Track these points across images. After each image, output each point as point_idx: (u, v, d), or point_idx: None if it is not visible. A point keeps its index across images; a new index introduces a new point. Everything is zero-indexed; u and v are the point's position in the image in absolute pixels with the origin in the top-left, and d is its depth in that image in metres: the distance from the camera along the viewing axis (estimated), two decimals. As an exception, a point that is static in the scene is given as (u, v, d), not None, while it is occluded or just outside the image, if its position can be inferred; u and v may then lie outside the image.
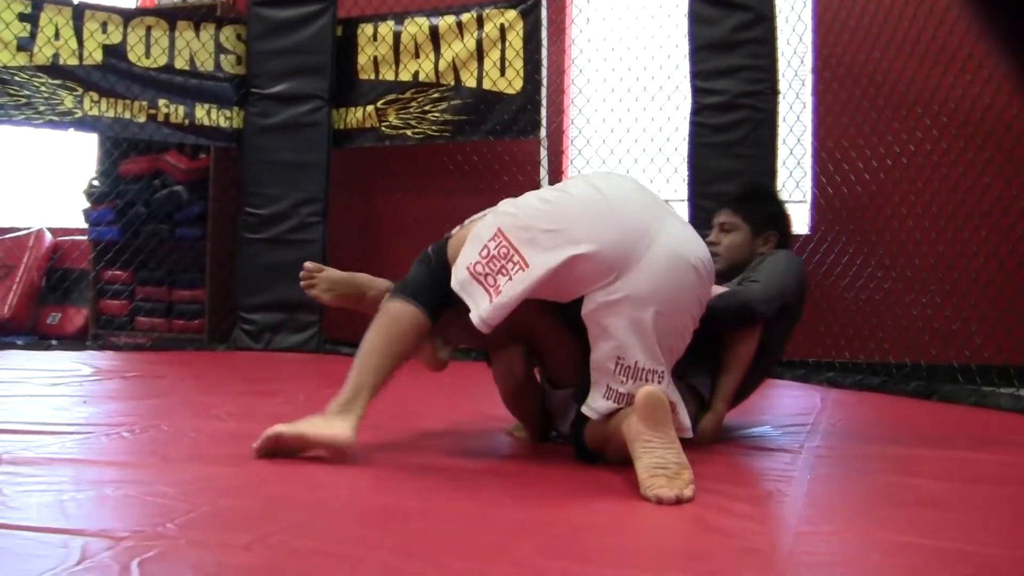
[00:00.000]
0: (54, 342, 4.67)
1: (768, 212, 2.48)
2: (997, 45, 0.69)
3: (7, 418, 2.25)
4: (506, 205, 1.86)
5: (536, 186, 4.45)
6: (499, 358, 2.05)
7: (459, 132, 4.63)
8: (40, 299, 5.50)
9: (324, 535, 1.32)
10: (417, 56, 4.68)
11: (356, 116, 4.81)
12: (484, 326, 1.75)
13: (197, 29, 4.75)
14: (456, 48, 4.60)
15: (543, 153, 4.55)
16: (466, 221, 1.94)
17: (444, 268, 1.85)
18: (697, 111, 4.11)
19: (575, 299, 1.79)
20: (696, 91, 4.11)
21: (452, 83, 4.62)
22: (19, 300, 5.36)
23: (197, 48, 4.73)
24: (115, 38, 4.59)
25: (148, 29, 4.66)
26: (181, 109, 4.68)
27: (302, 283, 2.24)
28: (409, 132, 4.72)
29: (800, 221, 4.24)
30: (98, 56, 4.55)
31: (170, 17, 4.75)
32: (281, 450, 1.80)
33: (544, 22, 4.47)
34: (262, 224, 4.66)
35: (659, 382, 1.75)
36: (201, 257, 4.96)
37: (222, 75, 4.78)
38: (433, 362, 2.04)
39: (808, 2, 4.31)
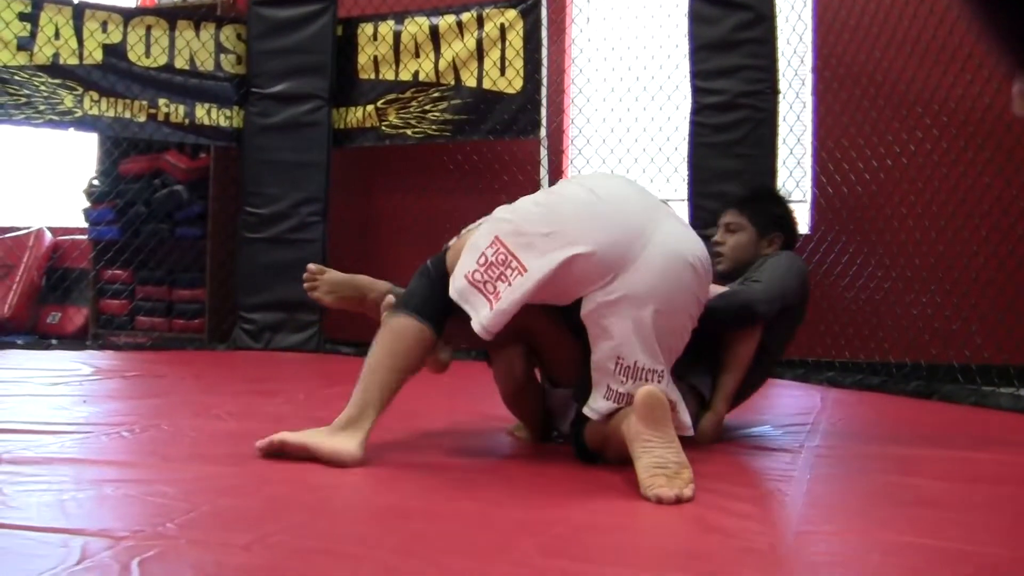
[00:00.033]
0: (54, 341, 4.67)
1: (774, 213, 2.48)
2: (997, 45, 0.69)
3: (7, 418, 2.25)
4: (501, 212, 1.86)
5: (536, 186, 4.46)
6: (499, 358, 2.05)
7: (459, 132, 4.63)
8: (40, 298, 5.50)
9: (324, 535, 1.32)
10: (417, 56, 4.68)
11: (356, 116, 4.81)
12: (485, 333, 1.76)
13: (197, 29, 4.74)
14: (456, 48, 4.60)
15: (543, 153, 4.55)
16: (462, 231, 1.94)
17: (444, 279, 1.85)
18: (697, 111, 4.11)
19: (574, 301, 1.79)
20: (696, 91, 4.11)
21: (452, 83, 4.62)
22: (19, 299, 5.36)
23: (197, 48, 4.73)
24: (115, 37, 4.59)
25: (148, 28, 4.65)
26: (181, 109, 4.68)
27: (305, 285, 2.24)
28: (409, 132, 4.72)
29: (800, 221, 4.23)
30: (98, 55, 4.55)
31: (170, 16, 4.74)
32: (282, 456, 1.80)
33: (544, 22, 4.47)
34: (262, 224, 4.66)
35: (659, 381, 1.75)
36: (201, 257, 4.96)
37: (222, 75, 4.78)
38: (434, 364, 2.05)
39: (808, 2, 4.31)
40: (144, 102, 4.61)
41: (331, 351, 4.51)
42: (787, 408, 2.90)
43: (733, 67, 4.01)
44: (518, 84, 4.48)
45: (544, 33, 4.47)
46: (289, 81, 4.69)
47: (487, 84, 4.54)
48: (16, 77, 4.41)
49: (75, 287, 5.36)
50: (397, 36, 4.71)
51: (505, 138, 4.60)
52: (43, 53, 4.46)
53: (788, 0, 4.24)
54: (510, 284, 1.74)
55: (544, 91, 4.47)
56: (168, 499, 1.47)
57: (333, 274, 2.25)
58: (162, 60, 4.67)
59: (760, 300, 2.20)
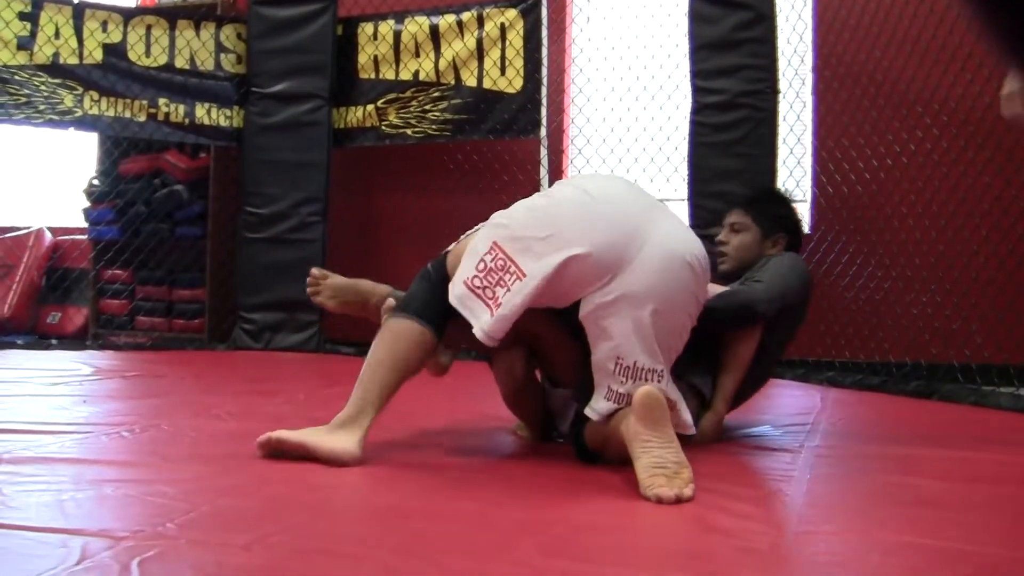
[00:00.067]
0: (54, 341, 4.67)
1: (779, 214, 2.48)
2: (997, 44, 0.69)
3: (7, 418, 2.25)
4: (498, 217, 1.87)
5: (536, 186, 4.46)
6: (500, 359, 2.05)
7: (459, 131, 4.63)
8: (40, 298, 5.50)
9: (324, 535, 1.32)
10: (417, 55, 4.68)
11: (356, 115, 4.81)
12: (488, 340, 1.76)
13: (197, 28, 4.74)
14: (456, 47, 4.60)
15: (543, 152, 4.55)
16: (461, 237, 1.94)
17: (444, 283, 1.86)
18: (697, 110, 4.11)
19: (573, 303, 1.79)
20: (696, 90, 4.11)
21: (452, 82, 4.62)
22: (19, 299, 5.36)
23: (197, 47, 4.73)
24: (115, 37, 4.59)
25: (148, 28, 4.65)
26: (181, 108, 4.68)
27: (308, 290, 2.26)
28: (409, 131, 4.72)
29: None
30: (98, 55, 4.55)
31: (170, 16, 4.74)
32: (281, 455, 1.80)
33: (544, 21, 4.47)
34: (262, 223, 4.66)
35: (659, 381, 1.75)
36: (201, 256, 4.96)
37: (222, 74, 4.78)
38: (434, 367, 2.05)
39: (808, 1, 4.31)
40: (144, 102, 4.61)
41: (331, 351, 4.51)
42: (787, 408, 2.90)
43: (733, 67, 4.01)
44: (518, 84, 4.48)
45: (544, 33, 4.47)
46: (289, 81, 4.69)
47: (487, 84, 4.54)
48: (16, 77, 4.41)
49: (75, 287, 5.36)
50: (397, 36, 4.71)
51: (505, 138, 4.60)
52: (43, 53, 4.45)
53: (788, 0, 4.24)
54: (509, 289, 1.75)
55: (544, 91, 4.47)
56: (168, 499, 1.46)
57: (335, 279, 2.26)
58: (162, 60, 4.66)
59: (760, 300, 2.20)
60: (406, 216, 4.92)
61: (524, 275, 1.74)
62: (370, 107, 4.77)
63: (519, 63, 4.48)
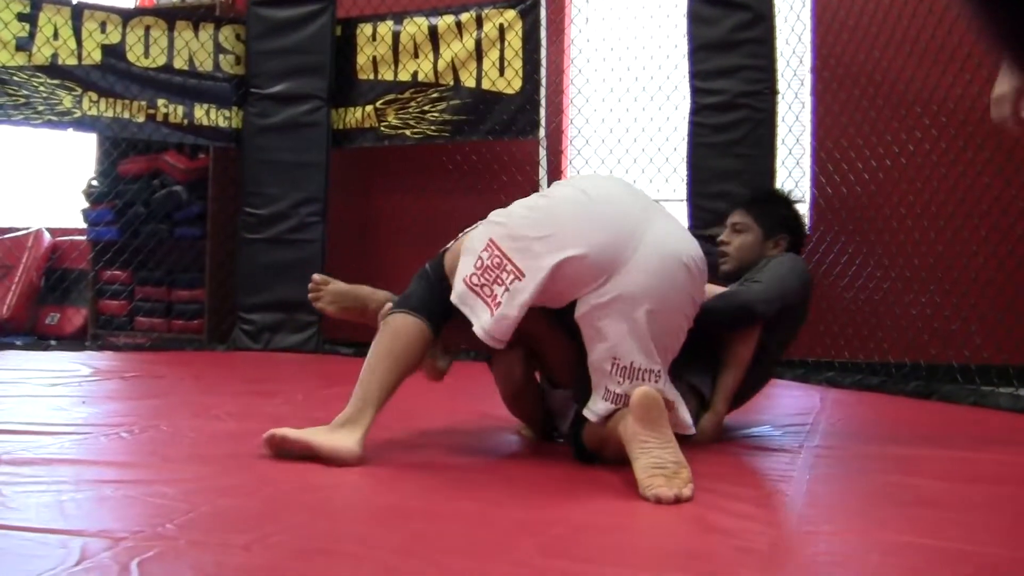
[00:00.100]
0: (53, 342, 4.67)
1: (781, 215, 2.49)
2: (996, 44, 0.69)
3: (6, 418, 2.25)
4: (496, 216, 1.87)
5: (535, 186, 4.46)
6: (499, 361, 2.06)
7: (458, 132, 4.63)
8: (39, 299, 5.50)
9: (324, 535, 1.32)
10: (416, 56, 4.68)
11: (355, 116, 4.81)
12: (492, 340, 1.76)
13: (196, 29, 4.74)
14: (455, 48, 4.60)
15: (542, 153, 4.56)
16: (459, 235, 1.95)
17: (443, 281, 1.86)
18: (696, 111, 4.11)
19: (569, 303, 1.80)
20: (695, 91, 4.11)
21: (451, 83, 4.62)
22: (18, 300, 5.35)
23: (196, 48, 4.73)
24: (114, 38, 4.59)
25: (147, 29, 4.65)
26: (180, 109, 4.68)
27: (309, 296, 2.27)
28: (408, 132, 4.72)
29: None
30: (97, 56, 4.55)
31: (169, 17, 4.74)
32: (283, 453, 1.80)
33: (543, 22, 4.47)
34: (261, 224, 4.66)
35: (656, 381, 1.75)
36: (200, 257, 4.95)
37: (221, 75, 4.78)
38: (432, 371, 2.06)
39: (807, 2, 4.31)
40: (143, 102, 4.61)
41: (330, 352, 4.51)
42: (787, 408, 2.90)
43: (732, 67, 4.01)
44: (517, 84, 4.48)
45: (543, 33, 4.47)
46: (288, 81, 4.69)
47: (486, 84, 4.54)
48: (15, 77, 4.41)
49: (74, 288, 5.36)
50: (396, 36, 4.71)
51: (504, 138, 4.60)
52: (42, 53, 4.45)
53: (787, 0, 4.24)
54: (508, 289, 1.75)
55: (543, 91, 4.47)
56: (167, 499, 1.46)
57: (337, 285, 2.26)
58: (161, 60, 4.66)
59: (759, 300, 2.20)
60: (405, 217, 4.92)
61: (523, 275, 1.74)
62: (369, 108, 4.77)
63: (518, 64, 4.48)
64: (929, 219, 3.93)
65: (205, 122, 4.73)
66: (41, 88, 4.45)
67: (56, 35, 4.49)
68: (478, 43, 4.55)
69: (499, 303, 1.75)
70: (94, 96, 4.53)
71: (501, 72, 4.51)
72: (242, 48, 4.80)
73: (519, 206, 1.88)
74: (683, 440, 1.74)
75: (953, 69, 3.70)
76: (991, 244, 3.76)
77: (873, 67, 4.08)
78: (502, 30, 4.51)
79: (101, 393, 2.95)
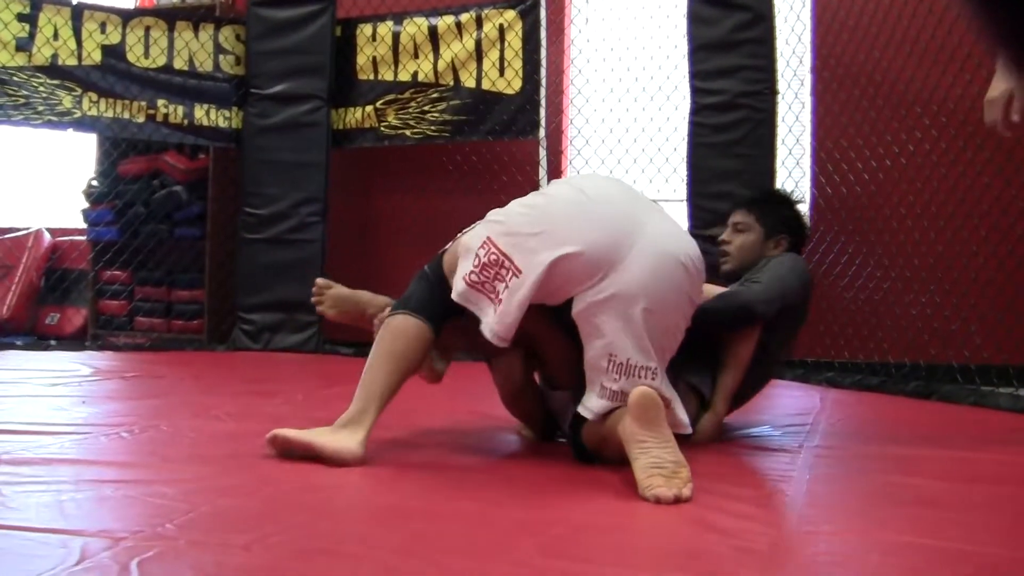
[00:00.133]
0: (53, 342, 4.67)
1: (783, 215, 2.49)
2: (996, 44, 0.69)
3: (6, 418, 2.25)
4: (494, 214, 1.88)
5: (535, 187, 4.46)
6: (498, 362, 2.06)
7: (458, 132, 4.63)
8: (39, 299, 5.50)
9: (324, 535, 1.32)
10: (416, 56, 4.68)
11: (355, 116, 4.81)
12: (498, 340, 1.76)
13: (196, 29, 4.74)
14: (455, 48, 4.60)
15: (542, 153, 4.56)
16: (457, 236, 1.95)
17: (442, 282, 1.87)
18: (696, 111, 4.11)
19: (566, 301, 1.80)
20: (695, 91, 4.11)
21: (451, 83, 4.61)
22: (18, 300, 5.35)
23: (196, 48, 4.73)
24: (114, 38, 4.59)
25: (147, 29, 4.65)
26: (180, 109, 4.68)
27: (312, 299, 2.28)
28: (408, 132, 4.72)
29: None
30: (97, 56, 4.55)
31: (169, 17, 4.74)
32: (286, 453, 1.80)
33: (543, 22, 4.47)
34: (261, 224, 4.66)
35: (652, 378, 1.75)
36: (200, 257, 4.95)
37: (221, 75, 4.78)
38: (430, 374, 2.06)
39: (807, 2, 4.31)
40: (143, 103, 4.61)
41: (330, 352, 4.51)
42: (787, 408, 2.90)
43: (732, 67, 4.01)
44: (517, 85, 4.48)
45: (543, 34, 4.47)
46: (288, 82, 4.69)
47: (486, 85, 4.54)
48: (15, 78, 4.41)
49: (74, 288, 5.36)
50: (396, 37, 4.71)
51: (504, 139, 4.60)
52: (42, 54, 4.45)
53: (787, 0, 4.24)
54: (507, 285, 1.75)
55: (543, 92, 4.47)
56: (167, 500, 1.46)
57: (338, 290, 2.28)
58: (161, 61, 4.66)
59: (759, 300, 2.20)
60: (405, 217, 4.92)
61: (520, 272, 1.75)
62: (369, 108, 4.77)
63: (518, 64, 4.48)
64: (929, 219, 3.93)
65: (205, 122, 4.73)
66: (41, 88, 4.45)
67: (56, 35, 4.49)
68: (478, 43, 4.55)
69: (501, 300, 1.75)
70: (94, 96, 4.53)
71: (501, 72, 4.52)
72: (242, 48, 4.80)
73: (517, 204, 1.89)
74: (683, 440, 1.74)
75: (953, 69, 3.70)
76: (991, 244, 3.76)
77: (873, 67, 4.08)
78: (502, 30, 4.51)
79: (101, 393, 2.95)
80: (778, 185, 3.98)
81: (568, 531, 1.38)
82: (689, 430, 1.88)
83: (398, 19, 4.72)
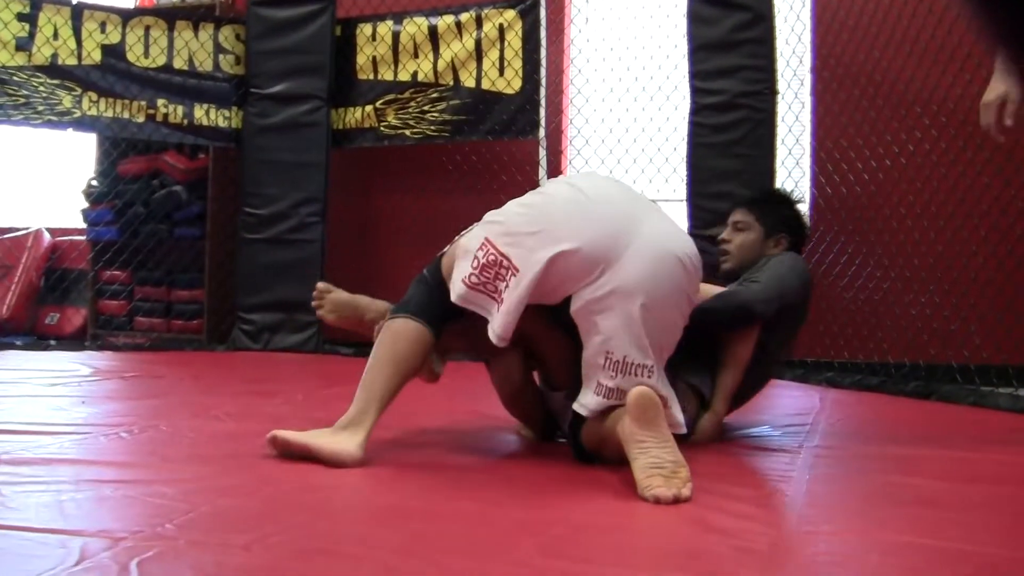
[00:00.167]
0: (52, 342, 4.67)
1: (783, 215, 2.49)
2: (996, 44, 0.69)
3: (6, 418, 2.25)
4: (491, 215, 1.88)
5: (535, 186, 4.45)
6: (497, 363, 2.06)
7: (458, 132, 4.63)
8: (39, 299, 5.50)
9: (324, 535, 1.32)
10: (416, 56, 4.67)
11: (355, 116, 4.81)
12: (499, 340, 1.77)
13: (196, 29, 4.74)
14: (455, 48, 4.60)
15: (542, 153, 4.56)
16: (456, 238, 1.95)
17: (441, 285, 1.87)
18: (696, 111, 4.11)
19: (564, 300, 1.80)
20: (695, 91, 4.11)
21: (451, 83, 4.61)
22: (17, 300, 5.35)
23: (196, 48, 4.73)
24: (114, 38, 4.59)
25: (147, 29, 4.65)
26: (180, 109, 4.68)
27: (312, 303, 2.28)
28: (408, 132, 4.72)
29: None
30: (97, 56, 4.55)
31: (169, 17, 4.74)
32: (286, 454, 1.80)
33: (543, 22, 4.47)
34: (261, 224, 4.66)
35: (649, 376, 1.75)
36: (200, 257, 4.95)
37: (221, 75, 4.78)
38: (428, 374, 2.06)
39: (807, 2, 4.31)
40: (143, 102, 4.61)
41: (330, 352, 4.51)
42: (786, 408, 2.90)
43: (732, 67, 4.01)
44: (517, 84, 4.48)
45: (543, 33, 4.47)
46: (288, 81, 4.69)
47: (486, 84, 4.54)
48: (15, 77, 4.41)
49: (74, 288, 5.36)
50: (396, 36, 4.71)
51: (504, 138, 4.60)
52: (42, 53, 4.45)
53: (787, 0, 4.24)
54: (508, 284, 1.75)
55: (543, 91, 4.47)
56: (167, 500, 1.46)
57: (339, 294, 2.28)
58: (161, 60, 4.66)
59: (758, 300, 2.20)
60: (405, 217, 4.92)
61: (518, 271, 1.75)
62: (369, 108, 4.77)
63: (518, 64, 4.48)
64: (929, 219, 3.94)
65: (205, 122, 4.73)
66: (41, 88, 4.45)
67: (56, 35, 4.49)
68: (478, 43, 4.55)
69: (502, 299, 1.76)
70: (94, 96, 4.53)
71: (501, 72, 4.51)
72: (242, 48, 4.80)
73: (515, 204, 1.89)
74: (682, 440, 1.74)
75: (953, 69, 3.70)
76: (991, 244, 3.76)
77: (873, 67, 4.08)
78: (502, 30, 4.51)
79: (101, 393, 2.95)
80: (778, 185, 3.98)
81: (568, 531, 1.38)
82: (684, 430, 1.88)
83: (398, 19, 4.72)
